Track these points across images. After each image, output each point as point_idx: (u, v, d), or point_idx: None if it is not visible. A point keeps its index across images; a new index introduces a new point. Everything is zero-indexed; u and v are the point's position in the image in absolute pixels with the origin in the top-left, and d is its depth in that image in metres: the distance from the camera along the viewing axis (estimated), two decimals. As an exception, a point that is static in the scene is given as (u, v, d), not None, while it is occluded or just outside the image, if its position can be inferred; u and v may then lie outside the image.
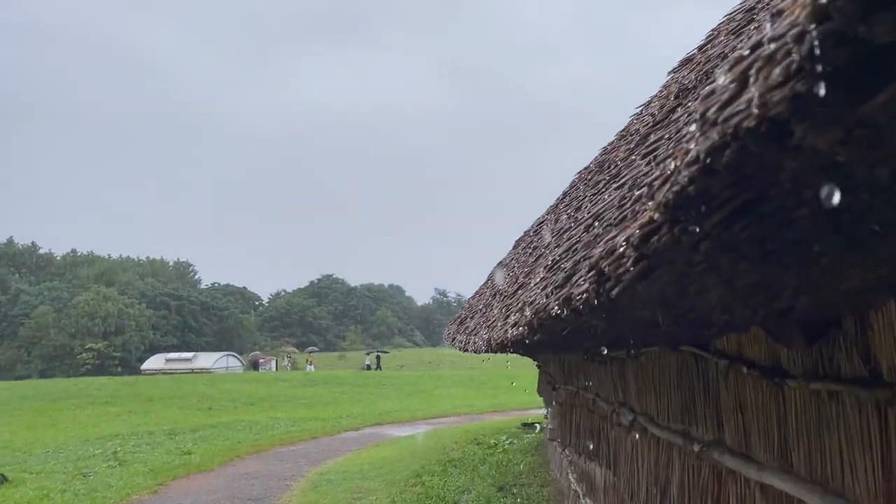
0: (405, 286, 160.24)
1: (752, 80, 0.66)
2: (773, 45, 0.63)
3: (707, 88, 0.80)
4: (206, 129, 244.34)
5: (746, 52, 0.70)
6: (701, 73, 2.04)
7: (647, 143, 1.64)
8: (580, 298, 1.17)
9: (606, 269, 1.08)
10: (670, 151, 1.03)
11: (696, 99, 2.07)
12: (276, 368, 56.48)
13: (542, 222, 5.75)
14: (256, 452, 15.71)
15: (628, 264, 1.03)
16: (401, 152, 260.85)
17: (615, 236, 1.08)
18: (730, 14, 2.78)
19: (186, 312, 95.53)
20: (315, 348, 71.77)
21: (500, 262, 9.43)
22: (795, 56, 0.59)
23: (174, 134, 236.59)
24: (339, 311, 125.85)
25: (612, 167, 2.46)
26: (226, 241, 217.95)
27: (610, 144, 4.38)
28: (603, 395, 6.21)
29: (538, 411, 15.89)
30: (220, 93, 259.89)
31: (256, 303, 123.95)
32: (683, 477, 4.08)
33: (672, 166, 0.86)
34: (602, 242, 1.13)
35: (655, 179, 0.92)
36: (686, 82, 2.17)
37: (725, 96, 0.71)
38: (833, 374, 2.68)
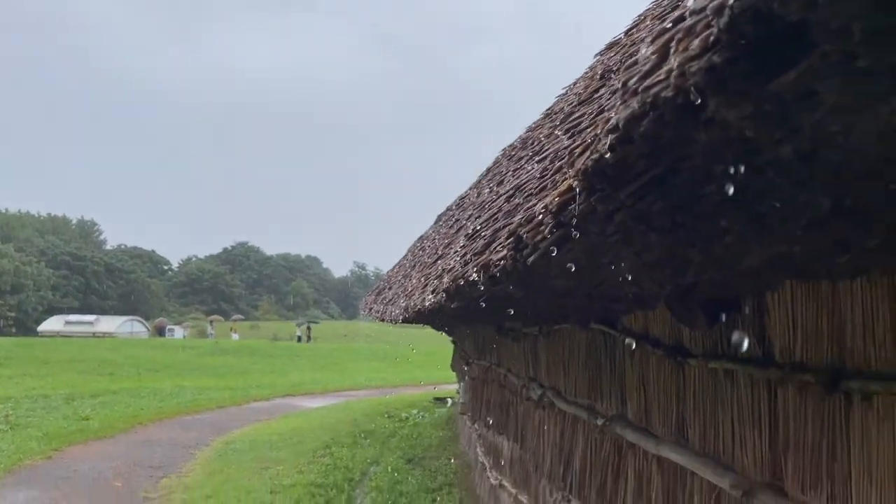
0: (323, 258, 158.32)
1: (672, 50, 0.68)
2: (694, 18, 0.65)
3: (630, 59, 0.82)
4: (122, 86, 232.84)
5: (669, 25, 0.72)
6: (626, 55, 2.09)
7: (570, 119, 1.68)
8: (498, 265, 1.19)
9: (525, 236, 1.10)
10: (591, 123, 1.06)
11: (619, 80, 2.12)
12: (186, 335, 54.69)
13: (465, 197, 5.80)
14: (160, 420, 15.30)
15: (545, 231, 1.05)
16: (327, 121, 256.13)
17: (535, 205, 1.10)
18: (655, 1, 2.85)
19: (89, 274, 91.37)
20: (240, 316, 68.44)
21: (422, 237, 9.45)
22: (714, 29, 0.61)
23: (85, 88, 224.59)
24: (252, 279, 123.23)
25: (536, 144, 2.50)
26: (135, 202, 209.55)
27: (535, 123, 4.44)
28: (514, 371, 6.35)
29: (451, 386, 16.10)
30: (138, 50, 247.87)
31: (165, 267, 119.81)
32: (586, 450, 4.24)
33: (592, 135, 0.88)
34: (522, 211, 1.15)
35: (576, 148, 0.94)
36: (611, 63, 2.22)
37: (647, 67, 0.73)
38: (730, 354, 2.83)
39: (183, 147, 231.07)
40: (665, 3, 2.66)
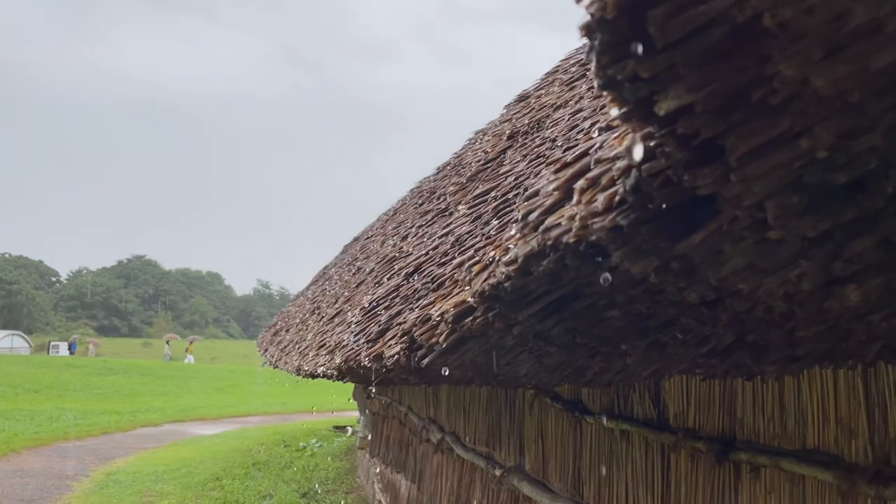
0: (225, 274, 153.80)
1: (575, 198, 0.62)
2: (599, 168, 0.60)
3: (531, 189, 0.76)
4: (13, 86, 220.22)
5: (570, 159, 0.67)
6: (534, 119, 2.09)
7: (475, 192, 1.64)
8: (392, 358, 1.11)
9: (419, 338, 1.03)
10: (489, 240, 1.01)
11: (524, 146, 2.11)
12: (72, 352, 51.01)
13: (370, 237, 5.69)
14: (36, 447, 14.20)
15: (441, 337, 0.98)
16: (230, 134, 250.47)
17: (432, 303, 1.03)
18: (564, 61, 2.88)
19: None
20: (198, 337, 61.39)
21: (326, 268, 9.24)
22: (620, 187, 0.55)
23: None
24: (148, 295, 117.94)
25: (442, 199, 2.46)
26: (23, 208, 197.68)
27: (443, 168, 4.41)
28: (415, 410, 6.25)
29: (353, 413, 15.79)
30: (36, 49, 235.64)
31: (53, 279, 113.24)
32: (483, 499, 4.18)
33: (491, 257, 0.82)
34: (418, 307, 1.08)
35: (474, 264, 0.88)
36: (519, 125, 2.20)
37: (548, 202, 0.67)
38: (626, 414, 2.85)
39: (77, 153, 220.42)
40: (573, 69, 2.69)
